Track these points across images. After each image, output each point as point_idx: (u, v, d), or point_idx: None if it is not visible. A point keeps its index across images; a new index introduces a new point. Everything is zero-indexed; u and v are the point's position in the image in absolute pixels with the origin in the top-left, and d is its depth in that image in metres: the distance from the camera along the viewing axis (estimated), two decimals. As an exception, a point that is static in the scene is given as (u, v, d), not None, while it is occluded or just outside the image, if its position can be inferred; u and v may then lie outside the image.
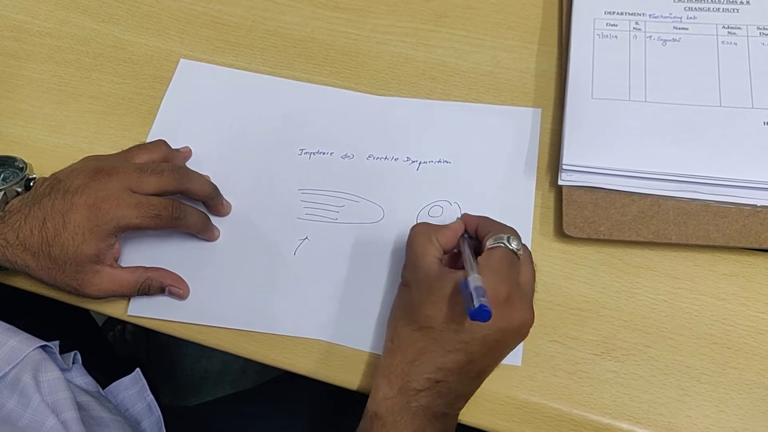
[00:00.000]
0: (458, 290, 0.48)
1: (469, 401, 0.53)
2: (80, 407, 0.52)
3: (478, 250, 0.53)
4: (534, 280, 0.53)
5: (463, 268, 0.51)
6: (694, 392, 0.53)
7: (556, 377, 0.54)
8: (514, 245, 0.51)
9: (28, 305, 0.69)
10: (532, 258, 0.53)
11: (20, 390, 0.50)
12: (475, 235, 0.55)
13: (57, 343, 0.62)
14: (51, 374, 0.52)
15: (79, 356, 0.60)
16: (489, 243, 0.51)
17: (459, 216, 0.59)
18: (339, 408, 0.72)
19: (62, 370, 0.56)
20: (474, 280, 0.46)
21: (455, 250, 0.55)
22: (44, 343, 0.54)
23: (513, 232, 0.52)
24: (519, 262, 0.51)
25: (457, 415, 0.51)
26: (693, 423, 0.53)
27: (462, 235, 0.55)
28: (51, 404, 0.49)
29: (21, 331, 0.54)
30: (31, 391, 0.50)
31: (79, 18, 0.72)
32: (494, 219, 0.55)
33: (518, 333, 0.50)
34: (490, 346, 0.49)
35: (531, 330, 0.55)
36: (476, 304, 0.44)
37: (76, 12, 0.72)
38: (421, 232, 0.54)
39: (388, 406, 0.48)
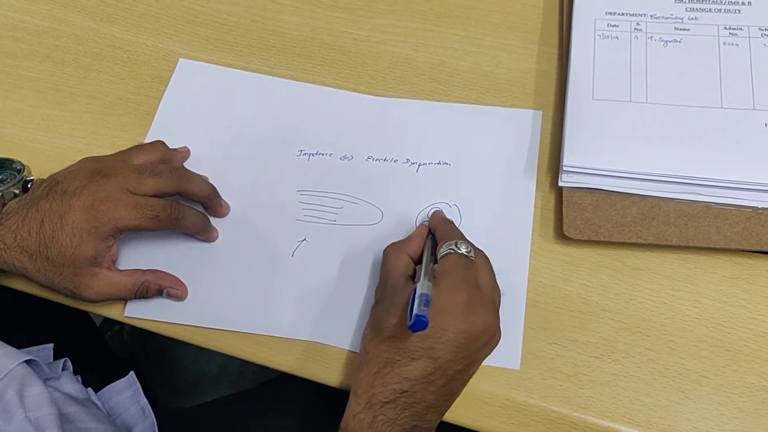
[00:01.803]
0: None
1: (468, 403, 0.53)
2: (67, 419, 0.52)
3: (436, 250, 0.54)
4: (494, 283, 0.52)
5: None
6: (694, 395, 0.53)
7: (556, 380, 0.54)
8: (463, 249, 0.51)
9: (25, 307, 0.69)
10: (488, 262, 0.53)
11: (4, 406, 0.49)
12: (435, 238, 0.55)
13: (50, 346, 0.61)
14: (35, 389, 0.51)
15: (69, 363, 0.60)
16: (442, 250, 0.52)
17: (461, 220, 0.60)
18: (336, 409, 0.71)
19: (51, 378, 0.56)
20: (421, 287, 0.47)
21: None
22: (29, 357, 0.54)
23: (461, 237, 0.53)
24: (474, 266, 0.51)
25: (431, 430, 0.50)
26: (693, 426, 0.52)
27: (427, 237, 0.55)
28: (34, 421, 0.49)
29: (6, 345, 0.54)
30: (15, 407, 0.49)
31: (77, 17, 0.71)
32: (450, 221, 0.57)
33: (483, 336, 0.49)
34: (455, 351, 0.48)
35: (530, 332, 0.55)
36: (415, 312, 0.45)
37: (74, 11, 0.72)
38: (391, 250, 0.55)
39: (356, 422, 0.48)
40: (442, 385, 0.48)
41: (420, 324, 0.44)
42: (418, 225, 0.59)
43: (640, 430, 0.53)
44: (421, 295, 0.46)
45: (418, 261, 0.54)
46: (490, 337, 0.49)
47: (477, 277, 0.51)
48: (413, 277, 0.54)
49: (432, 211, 0.60)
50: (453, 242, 0.52)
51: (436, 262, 0.52)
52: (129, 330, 1.24)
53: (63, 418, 0.50)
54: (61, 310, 0.64)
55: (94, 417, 0.54)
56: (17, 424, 0.48)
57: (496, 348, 0.51)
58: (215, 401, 0.78)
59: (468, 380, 0.51)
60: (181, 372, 1.29)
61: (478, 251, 0.53)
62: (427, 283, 0.48)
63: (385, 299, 0.52)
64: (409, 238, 0.55)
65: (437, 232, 0.55)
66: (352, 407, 0.49)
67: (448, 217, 0.59)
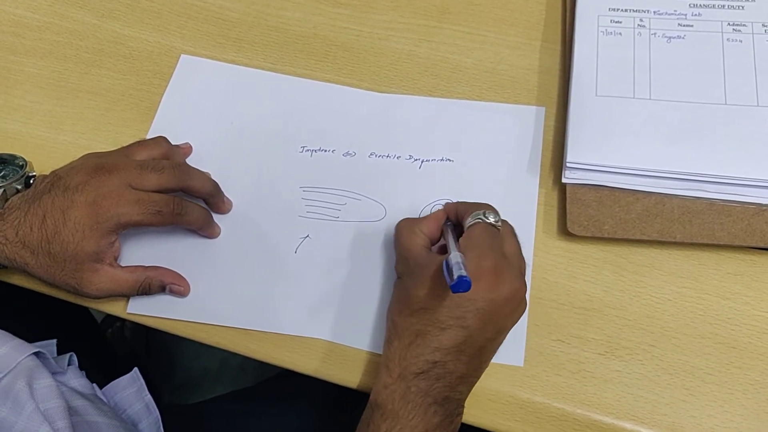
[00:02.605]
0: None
1: (472, 400, 0.53)
2: (75, 412, 0.52)
3: (457, 232, 0.54)
4: (520, 251, 0.53)
5: None
6: (698, 392, 0.53)
7: (560, 377, 0.54)
8: (491, 219, 0.52)
9: (27, 303, 0.69)
10: (514, 231, 0.54)
11: (14, 397, 0.49)
12: (457, 221, 0.55)
13: (54, 342, 0.61)
14: (44, 381, 0.51)
15: (75, 358, 0.60)
16: (468, 221, 0.52)
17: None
18: (337, 406, 0.71)
19: (57, 373, 0.56)
20: (453, 257, 0.47)
21: (442, 241, 0.55)
22: (38, 349, 0.54)
23: (489, 207, 0.53)
24: (500, 234, 0.52)
25: (462, 401, 0.50)
26: (697, 423, 0.52)
27: (445, 223, 0.55)
28: (44, 412, 0.49)
29: (14, 337, 0.54)
30: (25, 398, 0.49)
31: (78, 13, 0.71)
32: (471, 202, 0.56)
33: (511, 301, 0.49)
34: (485, 319, 0.48)
35: (534, 329, 0.55)
36: (455, 275, 0.45)
37: (75, 7, 0.72)
38: (404, 226, 0.55)
39: (388, 393, 0.48)
40: (473, 355, 0.49)
41: (464, 284, 0.44)
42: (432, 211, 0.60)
43: (644, 427, 0.52)
44: (456, 262, 0.46)
45: (433, 242, 0.55)
46: (518, 303, 0.50)
47: (503, 245, 0.51)
48: (425, 248, 0.54)
49: (439, 204, 0.60)
50: (481, 212, 0.52)
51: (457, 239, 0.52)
52: (130, 327, 1.24)
53: (71, 411, 0.50)
54: (62, 308, 0.64)
55: (101, 412, 0.54)
56: (28, 414, 0.48)
57: (500, 345, 0.51)
58: (217, 398, 0.78)
59: (495, 351, 0.51)
60: (182, 369, 1.29)
61: (503, 221, 0.53)
62: (459, 254, 0.47)
63: (409, 273, 0.52)
64: (423, 218, 0.56)
65: (459, 208, 0.55)
66: (384, 379, 0.49)
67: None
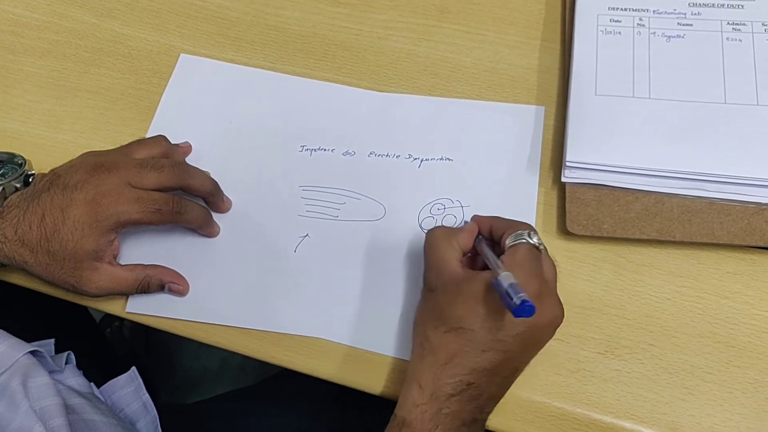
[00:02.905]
0: (489, 290, 0.47)
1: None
2: (72, 410, 0.52)
3: (494, 250, 0.52)
4: (556, 275, 0.52)
5: (483, 268, 0.51)
6: (698, 391, 0.53)
7: (560, 376, 0.54)
8: (535, 240, 0.51)
9: (26, 302, 0.69)
10: (548, 253, 0.53)
11: (9, 396, 0.49)
12: (490, 236, 0.54)
13: (52, 341, 0.61)
14: (40, 380, 0.51)
15: (72, 356, 0.59)
16: (509, 241, 0.51)
17: (464, 216, 0.60)
18: (337, 405, 0.71)
19: (54, 371, 0.56)
20: (506, 277, 0.46)
21: (469, 254, 0.54)
22: (34, 348, 0.54)
23: (531, 228, 0.52)
24: (542, 257, 0.51)
25: (486, 420, 0.50)
26: (697, 422, 0.52)
27: (478, 236, 0.54)
28: (39, 411, 0.49)
29: (11, 336, 0.54)
30: (20, 397, 0.49)
31: (77, 12, 0.71)
32: (505, 217, 0.54)
33: (550, 328, 0.49)
34: (524, 344, 0.48)
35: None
36: (517, 301, 0.43)
37: (74, 6, 0.72)
38: (441, 235, 0.53)
39: (419, 413, 0.47)
40: (506, 377, 0.49)
41: (528, 309, 0.43)
42: (421, 221, 0.59)
43: (644, 426, 0.52)
44: (513, 284, 0.45)
45: (466, 254, 0.54)
46: (555, 328, 0.50)
47: (543, 267, 0.50)
48: (460, 262, 0.52)
49: (439, 203, 0.59)
50: (525, 232, 0.51)
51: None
52: (129, 326, 1.24)
53: (67, 410, 0.50)
54: (61, 307, 0.64)
55: (98, 410, 0.54)
56: (22, 414, 0.48)
57: None
58: (216, 397, 0.78)
59: (523, 370, 0.51)
60: (181, 368, 1.29)
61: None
62: (510, 274, 0.46)
63: (444, 288, 0.50)
64: (460, 230, 0.54)
65: (494, 224, 0.54)
66: (415, 398, 0.48)
67: (450, 213, 0.59)
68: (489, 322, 0.47)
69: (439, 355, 0.48)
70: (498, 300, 0.46)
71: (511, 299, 0.44)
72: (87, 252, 0.53)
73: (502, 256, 0.50)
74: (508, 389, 0.50)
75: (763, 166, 0.56)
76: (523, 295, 0.44)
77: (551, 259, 0.52)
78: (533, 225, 0.59)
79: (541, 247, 0.51)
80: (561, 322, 0.50)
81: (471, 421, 0.48)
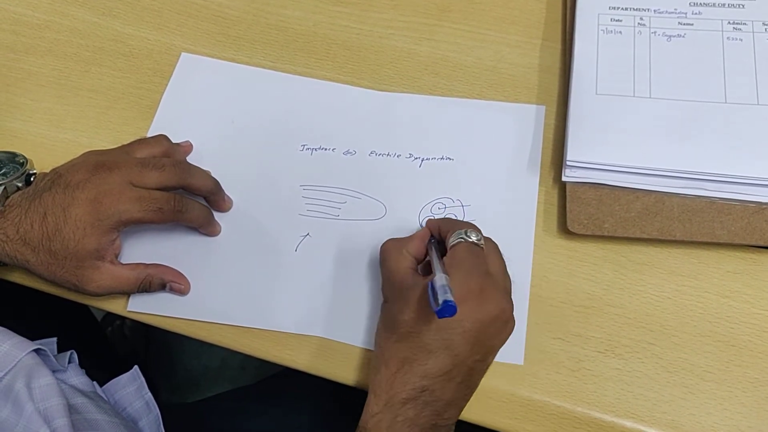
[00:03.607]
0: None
1: (473, 399, 0.53)
2: (75, 410, 0.52)
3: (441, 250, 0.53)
4: (505, 269, 0.52)
5: None
6: (698, 390, 0.53)
7: (560, 375, 0.54)
8: (474, 238, 0.51)
9: (27, 302, 0.69)
10: (498, 248, 0.53)
11: (13, 398, 0.49)
12: (440, 239, 0.55)
13: (54, 340, 0.61)
14: (43, 380, 0.51)
15: (75, 356, 0.60)
16: (450, 241, 0.51)
17: (464, 216, 0.60)
18: (338, 404, 0.71)
19: (57, 371, 0.56)
20: (438, 279, 0.46)
21: (427, 259, 0.54)
22: (37, 346, 0.54)
23: (471, 226, 0.52)
24: (484, 253, 0.51)
25: (451, 427, 0.50)
26: (697, 421, 0.52)
27: (429, 240, 0.55)
28: (43, 412, 0.49)
29: (14, 334, 0.54)
30: (24, 398, 0.49)
31: (78, 11, 0.71)
32: (457, 218, 0.56)
33: (497, 321, 0.48)
34: (472, 341, 0.48)
35: (534, 327, 0.55)
36: (440, 300, 0.44)
37: (75, 5, 0.72)
38: (390, 247, 0.54)
39: (375, 422, 0.48)
40: (461, 381, 0.48)
41: (449, 309, 0.43)
42: (422, 221, 0.59)
43: (644, 424, 0.52)
44: (441, 285, 0.45)
45: (419, 262, 0.54)
46: (504, 322, 0.49)
47: (488, 263, 0.50)
48: (411, 270, 0.53)
49: (439, 203, 0.59)
50: (463, 231, 0.51)
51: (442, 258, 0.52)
52: (130, 325, 1.24)
53: (71, 409, 0.50)
54: (62, 306, 0.64)
55: (101, 409, 0.54)
56: (27, 416, 0.48)
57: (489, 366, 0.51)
58: (217, 396, 0.78)
59: (485, 372, 0.50)
60: (182, 367, 1.29)
61: (486, 239, 0.52)
62: (444, 276, 0.47)
63: (395, 297, 0.51)
64: (409, 238, 0.55)
65: (441, 226, 0.54)
66: (371, 407, 0.48)
67: (451, 212, 0.59)
68: (432, 323, 0.48)
69: (391, 364, 0.48)
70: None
71: (437, 301, 0.44)
72: (89, 251, 0.53)
73: (445, 258, 0.51)
74: (470, 393, 0.50)
75: (763, 166, 0.56)
76: (447, 296, 0.44)
77: (499, 254, 0.53)
78: (533, 224, 0.59)
79: (481, 243, 0.51)
80: (509, 315, 0.49)
81: (429, 427, 0.48)
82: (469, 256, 0.50)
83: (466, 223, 0.54)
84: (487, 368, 0.50)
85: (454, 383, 0.48)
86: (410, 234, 0.56)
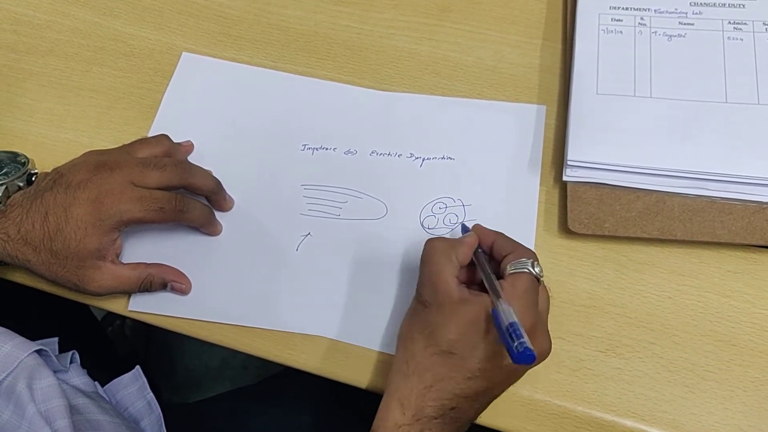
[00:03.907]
0: (486, 318, 0.47)
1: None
2: (76, 411, 0.52)
3: (490, 265, 0.51)
4: (549, 305, 0.51)
5: (480, 283, 0.50)
6: (698, 389, 0.53)
7: (560, 374, 0.54)
8: (537, 271, 0.49)
9: (28, 302, 0.69)
10: (543, 280, 0.51)
11: (15, 400, 0.49)
12: (490, 252, 0.53)
13: (56, 340, 0.61)
14: (45, 381, 0.51)
15: (77, 356, 0.59)
16: (511, 268, 0.49)
17: (465, 215, 0.59)
18: (339, 404, 0.71)
19: (59, 371, 0.56)
20: (507, 313, 0.44)
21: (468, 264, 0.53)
22: (39, 347, 0.53)
23: (535, 256, 0.50)
24: (539, 287, 0.50)
25: None
26: (698, 420, 0.52)
27: (477, 251, 0.53)
28: (44, 413, 0.49)
29: (15, 335, 0.54)
30: (26, 400, 0.49)
31: (79, 11, 0.71)
32: (509, 236, 0.53)
33: (536, 362, 0.48)
34: (509, 375, 0.48)
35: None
36: (519, 347, 0.42)
37: (76, 5, 0.72)
38: (439, 249, 0.51)
39: None
40: (487, 402, 0.49)
41: (528, 359, 0.42)
42: (422, 219, 0.58)
43: (645, 424, 0.53)
44: (513, 324, 0.43)
45: (463, 268, 0.52)
46: (541, 361, 0.50)
47: (539, 299, 0.49)
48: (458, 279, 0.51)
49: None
50: (529, 261, 0.49)
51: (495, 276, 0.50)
52: (130, 325, 1.24)
53: (72, 410, 0.50)
54: (63, 306, 0.64)
55: (103, 410, 0.54)
56: (29, 418, 0.48)
57: None
58: (218, 396, 0.78)
59: None
60: (183, 367, 1.29)
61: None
62: (510, 309, 0.45)
63: (439, 307, 0.49)
64: (459, 242, 0.52)
65: (498, 242, 0.52)
66: (396, 417, 0.47)
67: (452, 212, 0.59)
68: (480, 352, 0.47)
69: (425, 377, 0.47)
70: (492, 331, 0.46)
71: (513, 342, 0.43)
72: (90, 251, 0.53)
73: (501, 281, 0.49)
74: (482, 412, 0.50)
75: (764, 165, 0.56)
76: (525, 342, 0.42)
77: (546, 289, 0.52)
78: (534, 224, 0.59)
79: (542, 277, 0.50)
80: (548, 356, 0.50)
81: None
82: (531, 292, 0.48)
83: (529, 250, 0.51)
84: None
85: (480, 404, 0.49)
86: (408, 231, 0.55)
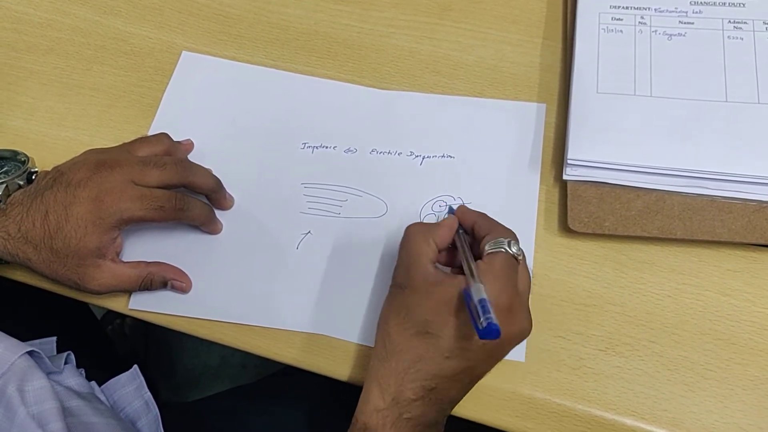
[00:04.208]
0: (460, 297, 0.47)
1: (473, 397, 0.53)
2: (70, 413, 0.51)
3: (471, 245, 0.52)
4: (530, 285, 0.52)
5: (460, 265, 0.50)
6: (698, 388, 0.53)
7: (560, 373, 0.54)
8: (514, 250, 0.49)
9: (27, 301, 0.69)
10: (525, 261, 0.52)
11: (5, 403, 0.49)
12: (472, 233, 0.53)
13: (53, 339, 0.61)
14: (37, 383, 0.51)
15: (72, 357, 0.59)
16: (489, 247, 0.50)
17: (452, 207, 0.59)
18: (338, 403, 0.71)
19: (52, 372, 0.56)
20: (477, 291, 0.45)
21: (450, 245, 0.53)
22: (31, 348, 0.53)
23: (513, 236, 0.51)
24: (518, 267, 0.50)
25: (444, 422, 0.50)
26: (697, 419, 0.52)
27: (457, 231, 0.53)
28: (36, 416, 0.48)
29: (7, 337, 0.53)
30: (17, 403, 0.49)
31: (80, 10, 0.71)
32: (491, 217, 0.53)
33: (517, 340, 0.50)
34: (489, 354, 0.48)
35: (535, 325, 0.55)
36: (484, 322, 0.43)
37: (77, 3, 0.72)
38: (417, 232, 0.52)
39: (380, 418, 0.47)
40: (468, 382, 0.49)
41: (493, 333, 0.42)
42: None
43: (645, 422, 0.53)
44: (482, 300, 0.44)
45: (441, 250, 0.52)
46: (521, 340, 0.50)
47: (518, 278, 0.49)
48: (434, 262, 0.51)
49: (456, 205, 0.57)
50: (505, 240, 0.49)
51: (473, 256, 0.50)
52: (130, 324, 1.24)
53: (66, 413, 0.50)
54: (62, 305, 0.64)
55: (97, 411, 0.54)
56: (20, 422, 0.48)
57: None
58: (217, 395, 0.78)
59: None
60: (182, 366, 1.29)
61: (521, 251, 0.51)
62: (481, 286, 0.45)
63: (414, 289, 0.49)
64: (437, 225, 0.52)
65: (478, 223, 0.53)
66: (375, 402, 0.47)
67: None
68: (454, 330, 0.47)
69: (402, 359, 0.47)
70: (465, 310, 0.46)
71: (479, 318, 0.43)
72: (90, 249, 0.53)
73: (478, 262, 0.49)
74: (467, 392, 0.51)
75: (764, 164, 0.56)
76: (491, 317, 0.43)
77: (528, 269, 0.52)
78: (534, 222, 0.59)
79: (520, 257, 0.50)
80: (528, 335, 0.50)
81: (433, 424, 0.48)
82: (507, 270, 0.48)
83: (507, 229, 0.51)
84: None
85: (461, 384, 0.48)
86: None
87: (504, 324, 0.45)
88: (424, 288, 0.49)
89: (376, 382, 0.48)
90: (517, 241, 0.50)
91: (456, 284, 0.48)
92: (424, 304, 0.48)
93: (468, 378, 0.49)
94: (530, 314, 0.50)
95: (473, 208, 0.55)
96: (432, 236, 0.51)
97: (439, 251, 0.52)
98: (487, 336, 0.42)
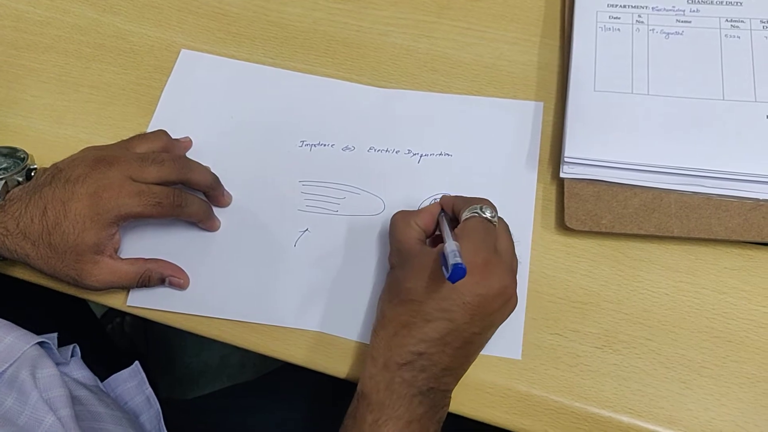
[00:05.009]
0: (437, 262, 0.48)
1: (470, 393, 0.53)
2: (78, 401, 0.52)
3: (454, 227, 0.53)
4: (513, 249, 0.53)
5: None
6: (695, 385, 0.53)
7: (558, 370, 0.54)
8: (488, 213, 0.52)
9: (27, 299, 0.69)
10: (508, 229, 0.54)
11: (18, 387, 0.49)
12: (453, 214, 0.55)
13: (55, 335, 0.61)
14: (47, 371, 0.51)
15: (78, 349, 0.60)
16: (464, 215, 0.52)
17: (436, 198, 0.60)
18: (338, 400, 0.71)
19: (60, 364, 0.56)
20: (449, 245, 0.47)
21: (437, 233, 0.55)
22: (42, 339, 0.54)
23: (486, 202, 0.53)
24: (495, 230, 0.52)
25: (449, 392, 0.50)
26: (694, 416, 0.52)
27: (440, 214, 0.55)
28: (48, 401, 0.49)
29: (18, 327, 0.54)
30: (29, 387, 0.49)
31: (79, 8, 0.71)
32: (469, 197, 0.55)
33: (499, 298, 0.49)
34: (471, 313, 0.48)
35: (532, 323, 0.55)
36: (450, 263, 0.44)
37: (76, 2, 0.72)
38: (399, 218, 0.55)
39: (373, 384, 0.49)
40: (458, 347, 0.49)
41: (459, 272, 0.44)
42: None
43: (641, 420, 0.53)
44: (452, 250, 0.46)
45: (428, 236, 0.55)
46: (507, 299, 0.50)
47: (496, 241, 0.51)
48: (419, 241, 0.54)
49: (437, 198, 0.59)
50: (478, 206, 0.52)
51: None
52: (130, 322, 1.24)
53: (74, 401, 0.51)
54: (63, 303, 0.64)
55: (104, 402, 0.54)
56: (32, 404, 0.48)
57: (498, 338, 0.52)
58: (217, 393, 0.79)
59: (484, 344, 0.52)
60: (182, 364, 1.29)
61: (499, 218, 0.53)
62: (455, 242, 0.47)
63: (402, 264, 0.52)
64: (418, 211, 0.55)
65: (456, 203, 0.54)
66: (369, 369, 0.49)
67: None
68: (434, 292, 0.48)
69: (389, 327, 0.49)
70: (442, 272, 0.47)
71: (447, 266, 0.45)
72: (88, 245, 0.53)
73: (455, 229, 0.51)
74: (467, 362, 0.51)
75: (760, 162, 0.57)
76: (458, 260, 0.45)
77: (509, 234, 0.53)
78: (531, 220, 0.59)
79: (495, 220, 0.52)
80: (512, 293, 0.50)
81: (427, 390, 0.48)
82: (480, 230, 0.50)
83: (482, 199, 0.54)
84: (485, 341, 0.51)
85: (451, 348, 0.49)
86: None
87: (481, 280, 0.48)
88: (409, 261, 0.51)
89: (370, 352, 0.50)
90: (492, 207, 0.52)
91: (434, 252, 0.50)
92: (408, 275, 0.50)
93: (458, 342, 0.49)
94: (514, 273, 0.51)
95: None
96: (413, 219, 0.54)
97: (427, 236, 0.55)
98: (455, 276, 0.44)
